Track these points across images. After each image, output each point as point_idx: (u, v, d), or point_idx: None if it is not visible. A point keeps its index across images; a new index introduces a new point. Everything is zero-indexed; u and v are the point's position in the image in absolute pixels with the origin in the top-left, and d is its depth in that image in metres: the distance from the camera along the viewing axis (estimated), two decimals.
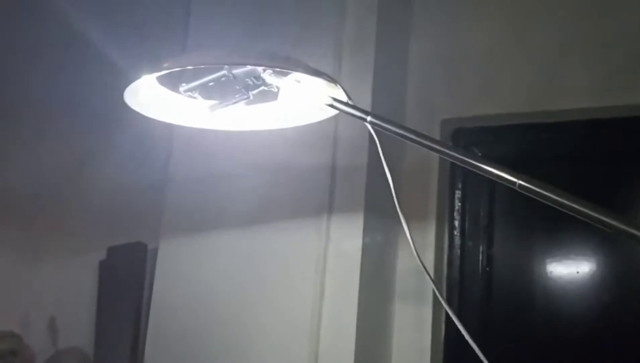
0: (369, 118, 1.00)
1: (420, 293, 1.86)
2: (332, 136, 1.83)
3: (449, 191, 1.94)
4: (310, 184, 1.83)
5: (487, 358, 1.06)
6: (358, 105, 1.89)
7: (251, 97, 1.07)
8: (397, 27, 1.99)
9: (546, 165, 1.92)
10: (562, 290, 1.83)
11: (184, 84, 1.07)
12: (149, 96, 1.14)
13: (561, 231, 1.85)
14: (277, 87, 1.08)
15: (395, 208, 1.15)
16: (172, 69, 1.01)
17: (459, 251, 1.90)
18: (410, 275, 1.87)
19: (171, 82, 1.13)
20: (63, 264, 2.29)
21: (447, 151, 0.97)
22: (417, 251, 1.17)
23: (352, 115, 1.02)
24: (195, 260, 1.97)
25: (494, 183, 1.91)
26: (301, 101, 1.09)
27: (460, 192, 1.94)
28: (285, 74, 1.05)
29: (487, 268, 1.89)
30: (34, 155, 2.36)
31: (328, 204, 1.81)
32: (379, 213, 1.80)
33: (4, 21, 2.29)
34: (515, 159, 1.96)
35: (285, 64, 1.02)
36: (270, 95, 1.12)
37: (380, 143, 1.07)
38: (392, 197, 1.15)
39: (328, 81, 1.05)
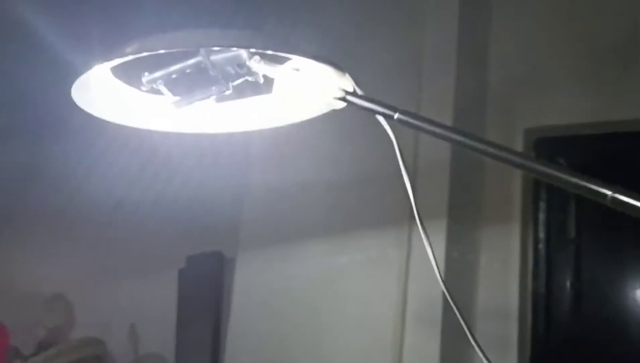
0: (396, 115, 0.77)
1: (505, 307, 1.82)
2: (413, 138, 1.81)
3: (533, 200, 1.89)
4: (390, 191, 1.82)
5: None
6: (426, 109, 1.92)
7: (230, 90, 0.83)
8: (477, 31, 1.96)
9: (635, 175, 1.86)
10: None
11: (146, 74, 0.82)
12: (102, 91, 0.89)
13: None
14: (263, 77, 0.85)
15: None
16: (126, 56, 0.76)
17: (544, 265, 1.85)
18: (495, 288, 1.83)
19: (135, 74, 0.85)
20: (144, 273, 2.36)
21: (494, 150, 0.75)
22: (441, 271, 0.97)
23: (374, 111, 0.79)
24: (274, 269, 1.99)
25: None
26: (302, 95, 0.83)
27: (544, 203, 1.89)
28: (280, 61, 0.82)
29: (575, 284, 1.83)
30: (115, 165, 2.43)
31: (409, 212, 1.79)
32: (461, 220, 1.78)
33: None
34: (602, 170, 1.90)
35: (281, 46, 0.79)
36: (250, 88, 0.88)
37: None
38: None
39: (335, 68, 0.81)
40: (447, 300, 1.64)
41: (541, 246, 1.86)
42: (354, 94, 0.81)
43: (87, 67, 0.78)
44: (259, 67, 0.81)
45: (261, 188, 2.05)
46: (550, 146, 1.92)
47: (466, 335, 1.75)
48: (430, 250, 0.92)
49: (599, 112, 1.83)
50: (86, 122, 0.95)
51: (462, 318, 0.89)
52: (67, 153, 2.46)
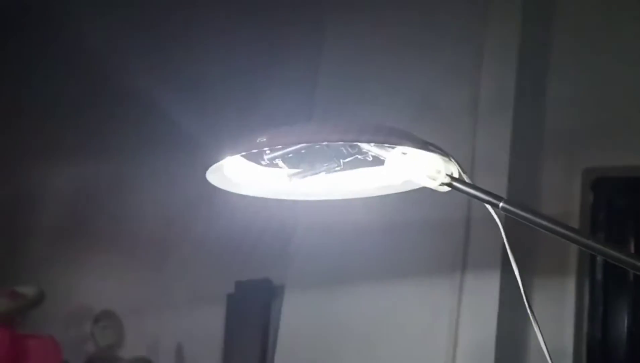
0: (501, 204, 0.83)
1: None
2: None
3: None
4: (443, 239, 1.82)
5: None
6: (482, 149, 1.92)
7: (341, 167, 0.94)
8: (536, 71, 1.96)
9: None
10: None
11: (267, 151, 0.93)
12: (232, 170, 1.03)
13: None
14: (372, 156, 0.94)
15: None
16: (253, 149, 0.90)
17: (601, 307, 1.81)
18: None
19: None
20: (193, 296, 2.39)
21: (583, 240, 0.83)
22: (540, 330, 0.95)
23: (479, 199, 0.86)
24: (322, 301, 1.99)
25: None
26: (410, 177, 0.92)
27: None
28: (393, 147, 0.91)
29: (633, 328, 1.79)
30: (165, 191, 2.49)
31: (462, 261, 1.78)
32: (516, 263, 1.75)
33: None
34: None
35: (394, 138, 0.88)
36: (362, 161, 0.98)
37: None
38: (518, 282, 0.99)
39: (441, 155, 0.89)
40: (499, 341, 1.63)
41: (597, 288, 1.83)
42: (460, 180, 0.88)
43: (221, 157, 0.94)
44: (371, 149, 0.92)
45: (313, 222, 2.06)
46: (609, 186, 1.90)
47: None
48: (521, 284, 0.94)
49: None
50: None
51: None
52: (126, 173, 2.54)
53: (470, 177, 1.91)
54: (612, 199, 1.91)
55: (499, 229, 1.78)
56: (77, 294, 2.65)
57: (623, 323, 1.79)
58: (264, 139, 0.88)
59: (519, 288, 1.77)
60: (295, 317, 2.05)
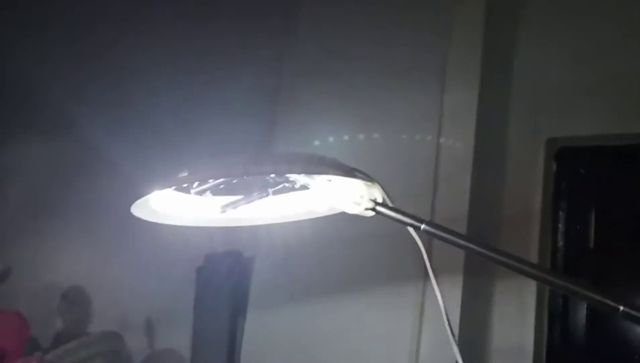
0: (422, 226, 0.85)
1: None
2: (430, 196, 1.83)
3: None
4: (405, 247, 1.83)
5: None
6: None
7: (270, 195, 0.95)
8: (502, 43, 1.97)
9: None
10: None
11: (195, 185, 0.93)
12: (160, 202, 1.02)
13: None
14: (303, 186, 0.95)
15: None
16: (178, 184, 0.91)
17: (560, 309, 1.86)
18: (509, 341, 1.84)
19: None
20: (162, 269, 2.38)
21: (507, 260, 0.83)
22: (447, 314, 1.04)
23: (402, 222, 0.88)
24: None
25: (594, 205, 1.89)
26: (335, 203, 0.93)
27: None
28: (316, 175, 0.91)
29: (591, 329, 1.84)
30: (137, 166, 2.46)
31: (424, 268, 1.80)
32: (478, 277, 1.79)
33: None
34: (623, 181, 1.90)
35: (316, 168, 0.88)
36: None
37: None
38: None
39: (366, 180, 0.90)
40: (461, 345, 1.66)
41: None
42: (383, 205, 0.89)
43: (148, 191, 0.93)
44: (297, 177, 0.93)
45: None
46: (573, 156, 1.93)
47: None
48: (440, 299, 1.01)
49: (622, 124, 1.83)
50: None
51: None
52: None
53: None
54: (575, 168, 1.94)
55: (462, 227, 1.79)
56: (44, 270, 2.62)
57: (582, 323, 1.84)
58: (185, 174, 0.88)
59: (481, 293, 1.82)
60: (265, 289, 2.06)
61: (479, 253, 0.81)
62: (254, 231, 2.11)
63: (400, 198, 1.80)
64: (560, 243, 1.88)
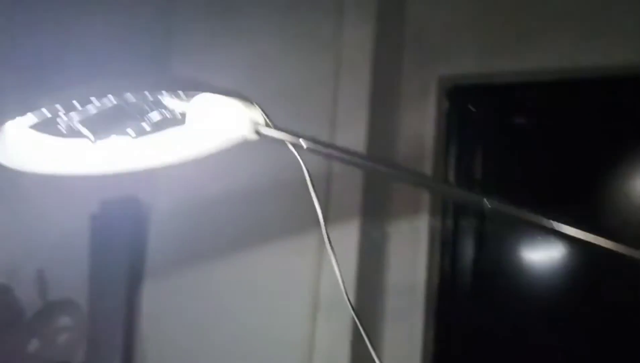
0: (305, 145, 0.85)
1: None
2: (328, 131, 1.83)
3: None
4: (304, 197, 1.84)
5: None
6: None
7: (148, 127, 0.88)
8: None
9: (539, 122, 1.99)
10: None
11: (61, 114, 0.83)
12: (20, 143, 0.91)
13: None
14: (183, 114, 0.89)
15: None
16: (38, 108, 0.80)
17: (450, 246, 1.96)
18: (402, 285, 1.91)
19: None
20: (52, 218, 2.27)
21: (395, 171, 0.88)
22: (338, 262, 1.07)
23: (282, 141, 0.86)
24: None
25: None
26: (214, 129, 0.88)
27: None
28: (192, 96, 0.85)
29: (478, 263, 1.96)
30: None
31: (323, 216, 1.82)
32: (374, 219, 1.84)
33: None
34: (512, 118, 2.02)
35: (189, 85, 0.84)
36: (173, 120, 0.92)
37: None
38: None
39: (244, 101, 0.86)
40: (359, 287, 1.71)
41: (447, 226, 1.96)
42: (265, 126, 0.87)
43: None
44: (172, 103, 0.86)
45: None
46: (463, 94, 2.01)
47: (377, 314, 1.84)
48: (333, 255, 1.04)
49: (509, 61, 1.91)
50: None
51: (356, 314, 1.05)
52: None
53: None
54: (466, 106, 2.02)
55: (358, 183, 1.83)
56: None
57: (470, 257, 1.96)
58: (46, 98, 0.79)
59: (377, 232, 1.87)
60: (164, 239, 2.02)
61: (366, 167, 0.82)
62: (152, 177, 2.07)
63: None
64: (451, 176, 1.97)
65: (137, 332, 2.04)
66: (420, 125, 1.97)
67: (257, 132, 0.86)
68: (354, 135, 1.79)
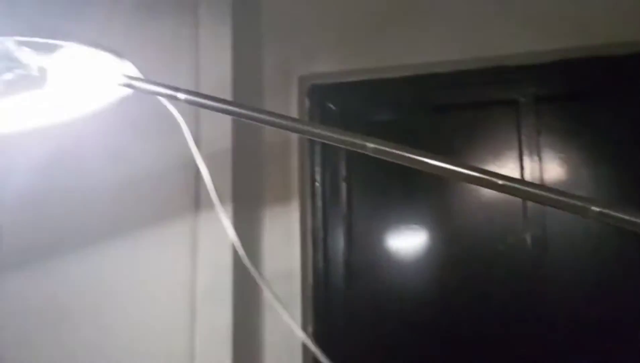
0: (182, 96, 0.79)
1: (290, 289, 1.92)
2: (194, 128, 1.80)
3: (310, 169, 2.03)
4: (173, 181, 1.79)
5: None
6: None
7: (1, 86, 0.78)
8: None
9: (394, 116, 2.10)
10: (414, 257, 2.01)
11: None
12: None
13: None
14: (41, 70, 0.79)
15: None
16: None
17: (321, 234, 2.00)
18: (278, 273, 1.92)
19: None
20: None
21: (274, 119, 0.80)
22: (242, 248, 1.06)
23: (158, 94, 0.80)
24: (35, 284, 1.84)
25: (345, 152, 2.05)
26: (81, 84, 0.80)
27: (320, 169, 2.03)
28: (52, 50, 0.77)
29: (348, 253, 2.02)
30: None
31: (194, 200, 1.77)
32: (246, 205, 1.83)
33: None
34: (368, 113, 2.10)
35: (52, 34, 0.75)
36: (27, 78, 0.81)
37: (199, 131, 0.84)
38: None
39: (114, 54, 0.80)
40: (236, 272, 1.69)
41: (317, 215, 2.00)
42: (137, 78, 0.80)
43: None
44: (30, 58, 0.76)
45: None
46: (322, 92, 2.06)
47: (254, 301, 1.83)
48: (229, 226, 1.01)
49: (369, 60, 2.00)
50: None
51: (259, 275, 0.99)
52: None
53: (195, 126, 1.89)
54: (325, 104, 2.09)
55: (227, 167, 1.81)
56: None
57: (340, 248, 2.02)
58: None
59: (250, 221, 1.86)
60: (11, 248, 1.86)
61: (240, 115, 0.80)
62: None
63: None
64: (317, 172, 2.02)
65: None
66: (283, 144, 1.99)
67: (131, 86, 0.79)
68: (221, 176, 1.77)
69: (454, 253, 1.98)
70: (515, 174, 1.95)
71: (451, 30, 1.95)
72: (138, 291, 1.77)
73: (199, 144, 1.80)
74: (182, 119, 0.88)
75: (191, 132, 1.76)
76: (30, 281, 1.81)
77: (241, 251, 0.92)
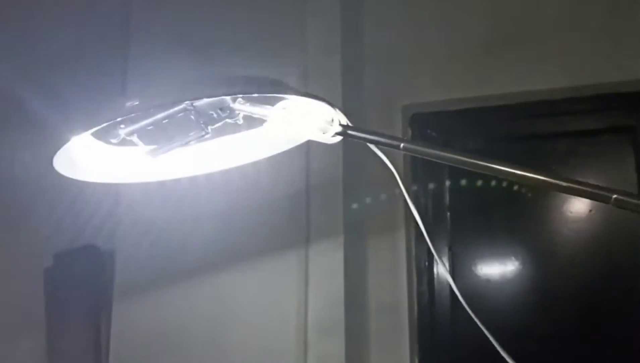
0: (402, 145, 0.82)
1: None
2: (305, 159, 1.84)
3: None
4: (284, 213, 1.81)
5: None
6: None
7: (209, 134, 0.81)
8: (354, 23, 2.04)
9: (495, 144, 2.09)
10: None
11: (122, 126, 0.78)
12: (84, 154, 0.87)
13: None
14: (242, 119, 0.84)
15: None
16: (108, 121, 0.76)
17: (426, 264, 2.00)
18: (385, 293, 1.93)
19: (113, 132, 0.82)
20: (3, 272, 2.10)
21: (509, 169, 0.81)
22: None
23: (379, 143, 0.84)
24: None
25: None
26: (297, 132, 0.83)
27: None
28: (264, 102, 0.81)
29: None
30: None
31: (306, 232, 1.80)
32: (355, 232, 1.85)
33: None
34: (468, 141, 2.10)
35: (273, 88, 0.79)
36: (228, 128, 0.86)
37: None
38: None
39: (328, 104, 0.82)
40: (347, 303, 1.71)
41: (421, 245, 2.00)
42: (353, 127, 0.83)
43: (66, 139, 0.78)
44: (245, 108, 0.81)
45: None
46: (424, 121, 2.07)
47: (365, 334, 1.84)
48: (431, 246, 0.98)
49: (468, 89, 2.00)
50: None
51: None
52: None
53: (306, 159, 1.91)
54: (427, 132, 2.09)
55: (338, 199, 1.84)
56: None
57: (444, 277, 2.00)
58: (136, 103, 0.75)
59: (358, 253, 1.88)
60: (131, 283, 1.93)
61: (460, 162, 0.80)
62: (112, 223, 1.97)
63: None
64: (422, 201, 2.02)
65: None
66: (388, 154, 2.00)
67: (347, 134, 0.82)
68: (332, 208, 1.79)
69: (560, 284, 1.94)
70: None
71: (554, 60, 1.94)
72: (253, 319, 1.80)
73: (309, 174, 1.86)
74: (394, 170, 0.91)
75: (303, 163, 1.83)
76: (150, 309, 1.86)
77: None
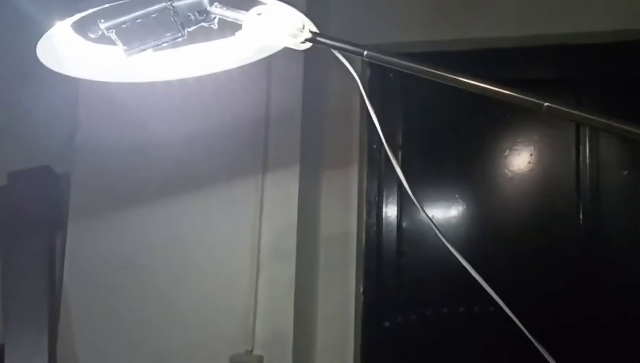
0: (365, 52, 0.86)
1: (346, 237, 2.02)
2: (265, 92, 1.86)
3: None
4: (242, 140, 1.85)
5: None
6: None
7: (185, 37, 0.84)
8: None
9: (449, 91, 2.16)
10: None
11: (101, 21, 0.80)
12: (64, 47, 0.89)
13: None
14: (217, 24, 0.86)
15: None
16: (87, 9, 0.78)
17: (376, 198, 2.09)
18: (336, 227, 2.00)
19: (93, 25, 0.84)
20: None
21: (463, 79, 0.84)
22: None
23: (344, 50, 0.86)
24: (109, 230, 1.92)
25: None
26: (269, 38, 0.86)
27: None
28: (240, 7, 0.85)
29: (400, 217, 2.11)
30: None
31: (262, 160, 1.84)
32: (311, 163, 1.91)
33: None
34: (424, 85, 2.16)
35: None
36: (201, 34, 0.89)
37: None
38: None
39: (299, 11, 0.85)
40: (300, 230, 1.77)
41: (373, 179, 2.09)
42: (322, 34, 0.86)
43: (49, 25, 0.79)
44: (222, 12, 0.83)
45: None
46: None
47: (315, 260, 1.91)
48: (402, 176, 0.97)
49: (428, 32, 2.06)
50: None
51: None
52: None
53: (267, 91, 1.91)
54: (385, 74, 2.15)
55: (296, 129, 1.88)
56: None
57: (394, 212, 2.11)
58: None
59: (312, 183, 1.92)
60: (86, 204, 1.94)
61: (423, 72, 0.85)
62: (65, 145, 1.96)
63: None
64: (375, 139, 2.09)
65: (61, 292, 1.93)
66: (346, 92, 2.06)
67: (316, 41, 0.85)
68: (290, 138, 1.84)
69: (499, 222, 2.06)
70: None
71: (510, 10, 2.01)
72: (209, 242, 1.84)
73: (269, 105, 1.89)
74: (357, 77, 0.94)
75: (264, 95, 1.86)
76: (105, 230, 1.88)
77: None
